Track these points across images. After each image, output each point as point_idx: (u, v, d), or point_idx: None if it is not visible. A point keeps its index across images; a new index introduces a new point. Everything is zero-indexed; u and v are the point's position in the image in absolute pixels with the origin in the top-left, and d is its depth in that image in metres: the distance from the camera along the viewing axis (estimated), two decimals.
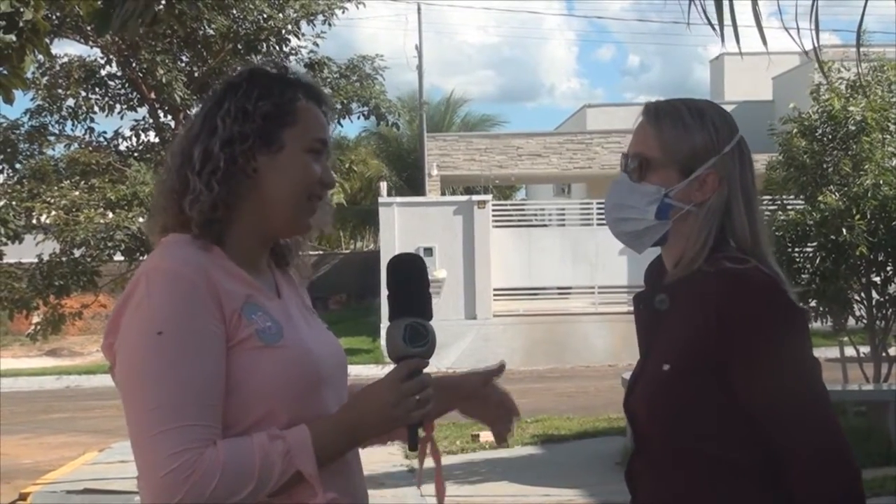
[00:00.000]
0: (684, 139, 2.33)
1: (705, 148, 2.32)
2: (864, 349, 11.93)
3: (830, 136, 11.39)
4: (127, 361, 2.06)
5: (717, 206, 2.31)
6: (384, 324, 23.74)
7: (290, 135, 2.18)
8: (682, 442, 2.24)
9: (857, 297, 11.51)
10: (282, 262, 2.34)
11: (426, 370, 2.13)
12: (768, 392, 2.17)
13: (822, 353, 16.46)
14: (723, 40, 3.42)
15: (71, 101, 12.14)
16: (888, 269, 11.39)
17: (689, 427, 2.23)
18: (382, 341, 22.91)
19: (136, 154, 12.27)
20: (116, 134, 12.53)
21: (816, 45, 3.33)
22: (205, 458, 1.97)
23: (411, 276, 2.18)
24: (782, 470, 2.18)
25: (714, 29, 3.39)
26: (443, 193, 30.49)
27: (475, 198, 25.41)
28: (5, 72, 5.24)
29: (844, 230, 10.74)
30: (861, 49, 5.05)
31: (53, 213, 11.38)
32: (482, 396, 2.46)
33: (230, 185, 2.14)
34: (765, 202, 12.34)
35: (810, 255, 11.32)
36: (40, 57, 10.24)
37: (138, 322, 2.04)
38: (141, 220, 11.18)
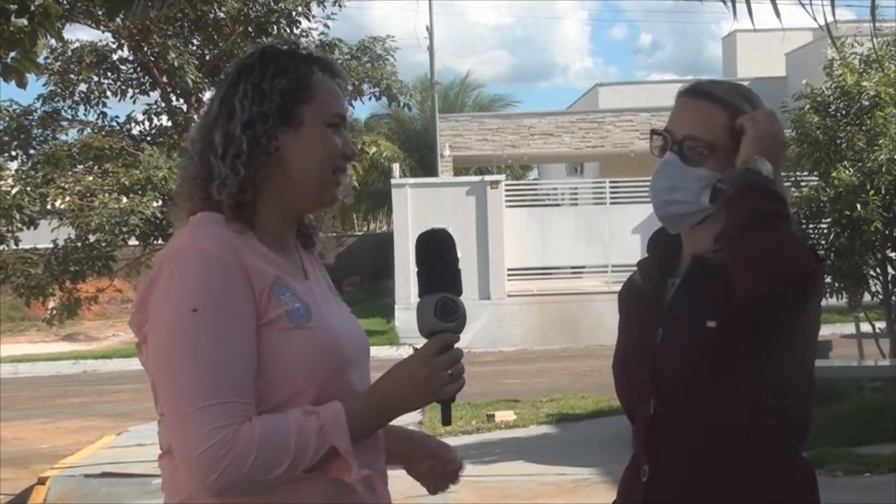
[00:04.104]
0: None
1: None
2: (880, 325, 11.90)
3: (844, 112, 11.33)
4: (161, 339, 2.07)
5: None
6: (398, 305, 23.96)
7: (309, 110, 2.18)
8: (724, 400, 2.27)
9: (872, 273, 11.47)
10: (308, 244, 2.35)
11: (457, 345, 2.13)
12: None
13: (838, 329, 16.45)
14: (735, 15, 3.41)
15: (83, 86, 12.15)
16: None
17: (733, 384, 2.26)
18: (397, 322, 22.96)
19: (148, 138, 12.27)
20: (129, 118, 12.54)
21: (831, 19, 3.32)
22: (241, 434, 1.99)
23: (441, 251, 2.17)
24: (808, 427, 2.33)
25: (727, 5, 3.38)
26: (455, 174, 30.47)
27: (488, 178, 25.40)
28: (18, 56, 5.25)
29: (859, 206, 10.70)
30: (874, 24, 5.03)
31: (68, 198, 11.41)
32: (431, 455, 2.40)
33: (255, 167, 2.15)
34: None
35: (825, 231, 11.29)
36: (52, 41, 10.28)
37: (171, 300, 2.05)
38: (155, 204, 11.21)
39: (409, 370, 2.12)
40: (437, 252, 2.17)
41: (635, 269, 2.56)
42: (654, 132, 2.45)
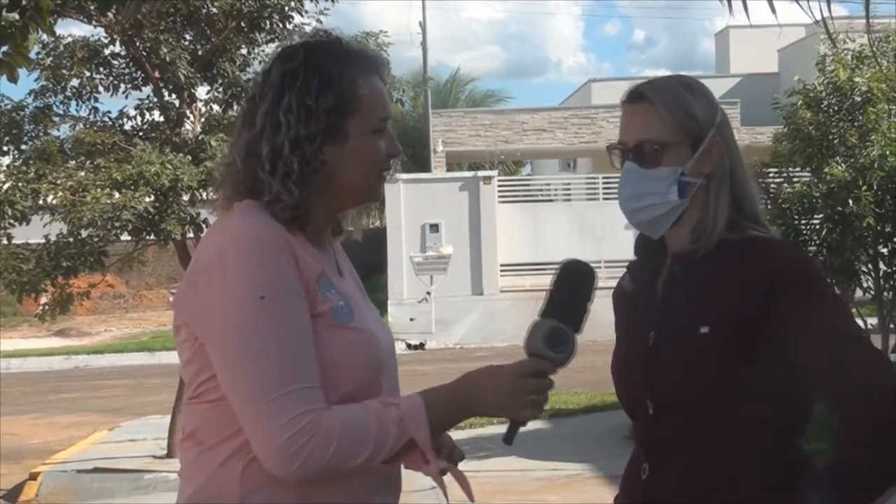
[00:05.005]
0: (690, 113, 2.35)
1: (706, 118, 2.36)
2: (872, 321, 11.91)
3: (836, 108, 11.34)
4: (229, 329, 2.04)
5: (723, 174, 2.36)
6: (391, 300, 23.89)
7: (354, 123, 2.17)
8: (718, 402, 2.27)
9: (864, 269, 11.48)
10: (337, 230, 2.34)
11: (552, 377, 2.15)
12: (827, 341, 2.20)
13: None
14: (731, 11, 3.41)
15: (75, 82, 12.11)
16: (895, 240, 11.36)
17: (728, 387, 2.25)
18: (390, 318, 22.95)
19: (141, 133, 12.23)
20: (121, 113, 12.49)
21: (826, 14, 3.32)
22: (323, 421, 1.99)
23: (581, 285, 2.20)
24: (802, 425, 2.33)
25: (722, 2, 3.38)
26: (448, 170, 30.44)
27: (481, 173, 25.40)
28: (9, 51, 5.24)
29: (851, 201, 10.71)
30: (868, 20, 5.04)
31: (60, 193, 11.36)
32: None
33: (308, 186, 2.14)
34: (771, 174, 12.31)
35: (817, 226, 11.29)
36: (44, 36, 10.24)
37: (236, 289, 2.04)
38: (147, 199, 11.19)
39: (497, 380, 2.12)
40: (577, 284, 2.20)
41: (626, 268, 2.57)
42: (609, 148, 2.46)
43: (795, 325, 2.20)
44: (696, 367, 2.27)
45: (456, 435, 2.39)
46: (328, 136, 2.15)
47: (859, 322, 9.95)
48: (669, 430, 2.34)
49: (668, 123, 2.34)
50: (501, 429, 2.18)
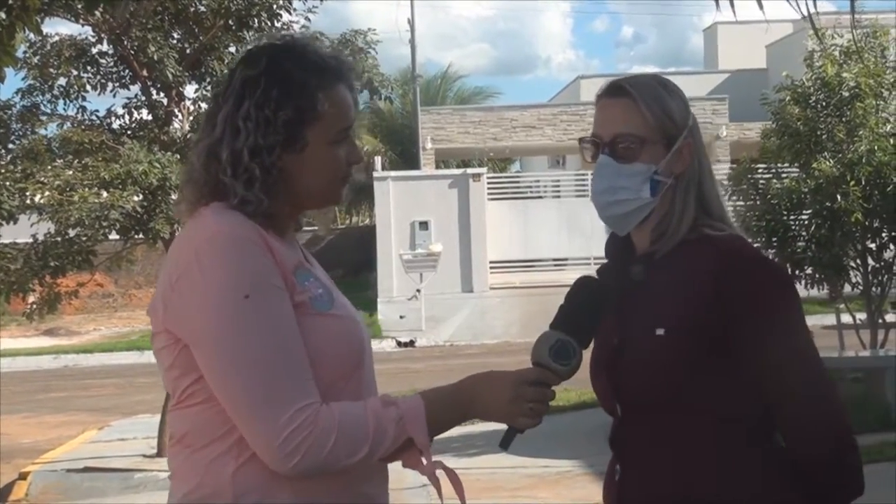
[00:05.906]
0: (668, 113, 2.36)
1: (681, 119, 2.37)
2: (861, 316, 11.95)
3: (824, 103, 11.37)
4: (215, 329, 2.04)
5: (692, 176, 2.36)
6: (380, 298, 23.86)
7: (314, 132, 2.17)
8: (682, 404, 2.26)
9: (852, 264, 11.52)
10: (297, 226, 2.35)
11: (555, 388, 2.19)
12: (772, 352, 2.21)
13: (819, 320, 16.48)
14: (718, 7, 3.41)
15: (62, 80, 12.07)
16: (883, 235, 11.40)
17: (689, 388, 2.25)
18: (379, 315, 22.95)
19: (129, 132, 12.20)
20: (109, 112, 12.46)
21: (812, 10, 3.33)
22: (320, 417, 2.00)
23: (595, 303, 2.24)
24: (775, 425, 2.27)
25: None
26: (437, 167, 30.44)
27: (470, 171, 25.41)
28: None
29: (839, 197, 10.74)
30: (854, 15, 5.05)
31: (47, 193, 11.33)
32: None
33: (272, 193, 2.14)
34: (759, 170, 12.34)
35: (805, 222, 11.33)
36: (31, 35, 10.21)
37: (219, 290, 2.04)
38: (135, 198, 11.16)
39: (498, 387, 2.15)
40: (590, 302, 2.23)
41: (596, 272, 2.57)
42: (582, 140, 2.47)
43: (745, 329, 2.22)
44: (657, 369, 2.28)
45: (446, 432, 2.39)
46: (287, 145, 2.15)
47: (848, 318, 9.91)
48: (638, 431, 2.34)
49: (647, 120, 2.34)
50: (492, 426, 2.18)
